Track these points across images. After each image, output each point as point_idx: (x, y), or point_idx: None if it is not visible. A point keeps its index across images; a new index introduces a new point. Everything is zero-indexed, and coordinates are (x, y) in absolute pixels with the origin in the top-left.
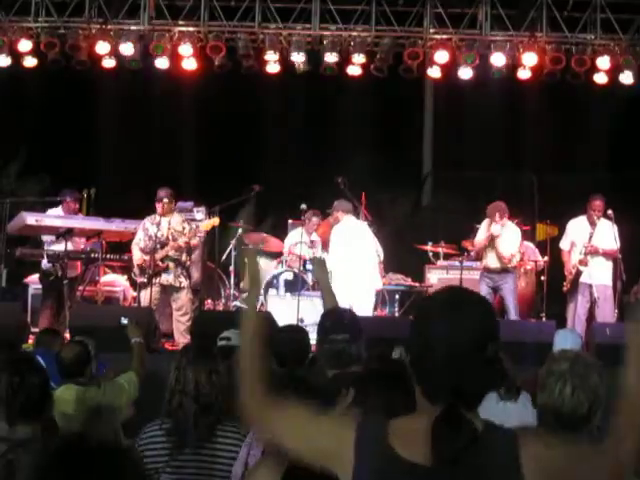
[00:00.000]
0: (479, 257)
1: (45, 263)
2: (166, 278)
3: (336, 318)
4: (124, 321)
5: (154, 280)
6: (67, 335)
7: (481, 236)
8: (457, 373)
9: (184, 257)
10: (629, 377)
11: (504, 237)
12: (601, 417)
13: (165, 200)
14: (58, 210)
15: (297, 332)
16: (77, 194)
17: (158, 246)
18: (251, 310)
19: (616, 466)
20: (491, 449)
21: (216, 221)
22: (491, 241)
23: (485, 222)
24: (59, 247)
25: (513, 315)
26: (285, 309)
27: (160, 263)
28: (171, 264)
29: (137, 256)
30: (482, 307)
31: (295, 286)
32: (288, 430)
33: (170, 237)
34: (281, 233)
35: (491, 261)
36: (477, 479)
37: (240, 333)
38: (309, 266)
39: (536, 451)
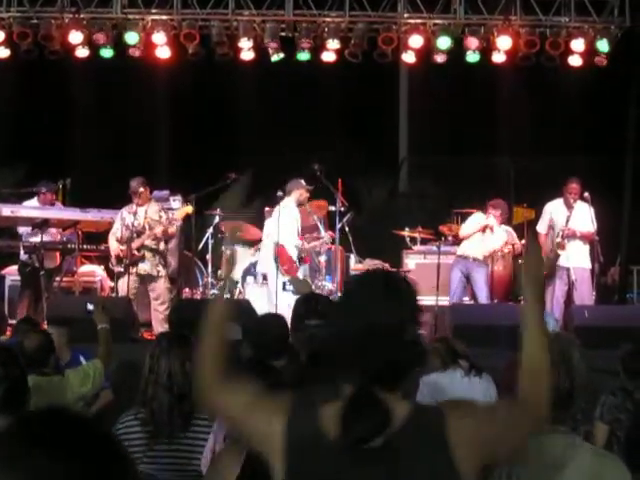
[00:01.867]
0: (459, 242)
1: (23, 254)
2: (143, 267)
3: (310, 304)
4: (90, 307)
5: (131, 269)
6: (45, 326)
7: (472, 226)
8: (375, 354)
9: (161, 246)
10: (527, 341)
11: (495, 233)
12: (585, 398)
13: (141, 190)
14: (34, 201)
15: (276, 321)
16: (53, 185)
17: (135, 235)
18: (222, 294)
19: (528, 426)
20: (420, 432)
21: (189, 209)
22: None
23: (478, 215)
24: (36, 238)
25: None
26: (263, 297)
27: (136, 252)
28: (148, 253)
29: (113, 246)
30: (404, 289)
31: None
32: (232, 409)
33: (147, 226)
34: (257, 221)
35: (469, 249)
36: (407, 463)
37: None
38: (289, 287)
39: (458, 422)
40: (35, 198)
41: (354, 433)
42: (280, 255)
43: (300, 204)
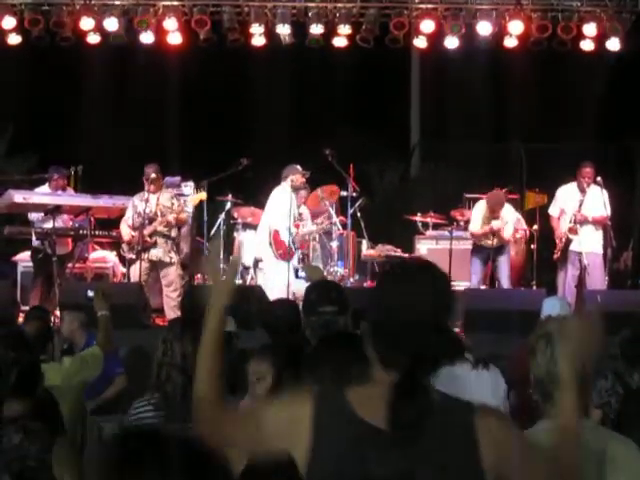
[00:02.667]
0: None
1: (35, 241)
2: (155, 254)
3: (322, 290)
4: (90, 294)
5: (143, 256)
6: (57, 312)
7: (477, 224)
8: (411, 341)
9: (173, 232)
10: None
11: (506, 223)
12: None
13: (153, 176)
14: (45, 188)
15: (288, 305)
16: (64, 171)
17: (146, 222)
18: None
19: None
20: (449, 417)
21: (203, 195)
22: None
23: (481, 205)
24: (47, 224)
25: (506, 285)
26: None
27: (148, 239)
28: (160, 239)
29: (125, 232)
30: (437, 276)
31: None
32: (243, 432)
33: (159, 213)
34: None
35: (488, 242)
36: (438, 445)
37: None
38: (301, 273)
39: (489, 422)
40: (46, 184)
41: (403, 418)
42: (275, 240)
43: (296, 189)
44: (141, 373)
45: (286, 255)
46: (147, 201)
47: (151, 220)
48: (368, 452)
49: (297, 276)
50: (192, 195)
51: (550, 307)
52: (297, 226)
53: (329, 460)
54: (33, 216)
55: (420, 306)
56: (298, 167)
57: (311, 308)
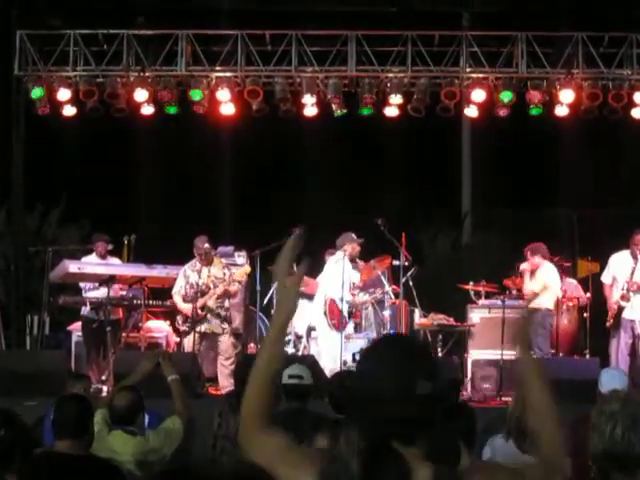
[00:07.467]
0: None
1: (86, 310)
2: (207, 327)
3: None
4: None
5: (196, 327)
6: (111, 381)
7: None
8: (385, 410)
9: (226, 303)
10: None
11: (536, 278)
12: None
13: (206, 247)
14: (92, 257)
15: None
16: (105, 237)
17: (199, 295)
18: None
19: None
20: None
21: (247, 269)
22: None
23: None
24: (99, 293)
25: (537, 353)
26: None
27: (199, 311)
28: (210, 314)
29: (182, 306)
30: (409, 348)
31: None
32: (264, 455)
33: (211, 285)
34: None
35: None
36: None
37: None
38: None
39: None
40: (93, 254)
41: None
42: (330, 309)
43: (352, 259)
44: (194, 441)
45: (339, 325)
46: (199, 272)
47: (203, 293)
48: None
49: (354, 360)
50: (243, 266)
51: (609, 379)
52: (353, 295)
53: None
54: (83, 284)
55: (389, 377)
56: (353, 235)
57: None
